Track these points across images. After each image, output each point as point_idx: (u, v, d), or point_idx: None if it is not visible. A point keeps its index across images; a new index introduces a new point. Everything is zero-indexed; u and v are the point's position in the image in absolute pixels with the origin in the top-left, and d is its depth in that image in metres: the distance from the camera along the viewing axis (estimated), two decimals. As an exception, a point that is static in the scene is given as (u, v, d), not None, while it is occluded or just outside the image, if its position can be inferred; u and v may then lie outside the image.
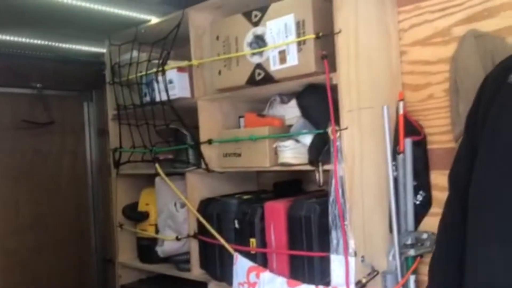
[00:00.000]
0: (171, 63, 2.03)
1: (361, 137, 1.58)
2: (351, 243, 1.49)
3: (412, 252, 1.62)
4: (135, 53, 2.23)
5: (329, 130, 1.53)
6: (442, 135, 1.69)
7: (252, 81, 1.74)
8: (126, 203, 2.43)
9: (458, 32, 1.65)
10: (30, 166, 2.94)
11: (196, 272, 2.04)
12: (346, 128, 1.50)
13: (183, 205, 2.10)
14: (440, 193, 1.66)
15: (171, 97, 2.02)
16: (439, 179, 1.68)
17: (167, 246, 2.14)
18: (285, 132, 1.75)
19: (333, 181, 1.51)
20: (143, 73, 2.13)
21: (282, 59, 1.63)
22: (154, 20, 2.23)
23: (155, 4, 2.12)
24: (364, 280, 1.50)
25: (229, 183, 2.13)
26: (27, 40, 2.60)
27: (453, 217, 1.09)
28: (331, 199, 1.53)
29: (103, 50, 2.59)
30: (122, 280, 2.47)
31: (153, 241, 2.26)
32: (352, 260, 1.49)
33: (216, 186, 2.08)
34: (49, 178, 3.03)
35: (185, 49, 2.05)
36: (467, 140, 1.06)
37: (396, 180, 1.63)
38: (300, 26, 1.59)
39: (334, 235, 1.53)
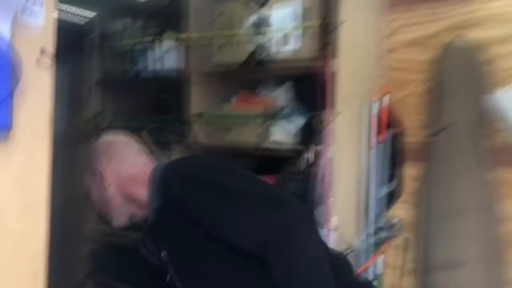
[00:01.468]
0: (169, 34, 2.06)
1: (350, 123, 1.70)
2: (334, 219, 1.61)
3: (383, 235, 1.77)
4: (126, 22, 2.24)
5: (323, 114, 1.63)
6: (418, 129, 1.84)
7: (251, 60, 1.81)
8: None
9: (444, 37, 1.81)
10: None
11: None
12: (339, 113, 1.62)
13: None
14: (411, 183, 1.82)
15: (166, 68, 2.05)
16: (411, 171, 1.83)
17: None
18: (277, 112, 1.84)
19: (323, 161, 1.62)
20: (137, 40, 2.15)
21: (285, 42, 1.71)
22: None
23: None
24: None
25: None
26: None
27: None
28: (318, 177, 1.63)
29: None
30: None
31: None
32: (333, 234, 1.60)
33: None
34: None
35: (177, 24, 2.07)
36: None
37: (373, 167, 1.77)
38: (305, 13, 1.68)
39: (318, 211, 1.64)
